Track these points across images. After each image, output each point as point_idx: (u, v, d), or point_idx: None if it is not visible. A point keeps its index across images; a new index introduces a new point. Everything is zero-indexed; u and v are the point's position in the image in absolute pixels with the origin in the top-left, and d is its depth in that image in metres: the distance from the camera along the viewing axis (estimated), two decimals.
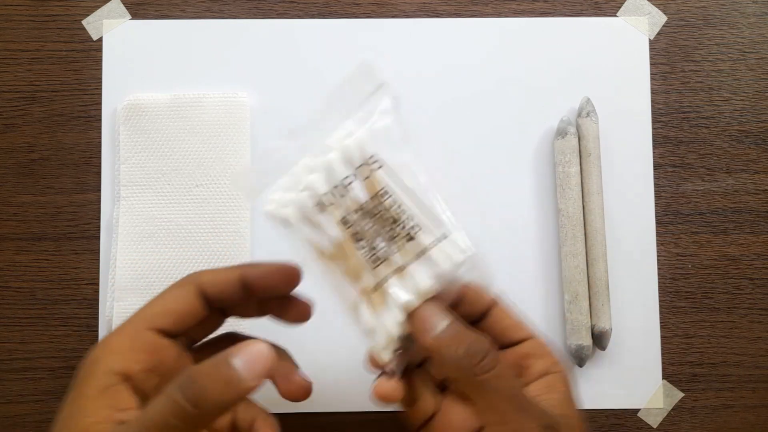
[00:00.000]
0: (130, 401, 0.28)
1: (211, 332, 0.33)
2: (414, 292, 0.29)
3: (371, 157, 0.29)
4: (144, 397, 0.29)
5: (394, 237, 0.29)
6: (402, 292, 0.29)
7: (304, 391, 0.32)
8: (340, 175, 0.29)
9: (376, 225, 0.29)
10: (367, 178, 0.29)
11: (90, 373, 0.28)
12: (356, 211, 0.29)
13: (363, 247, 0.29)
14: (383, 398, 0.31)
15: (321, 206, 0.29)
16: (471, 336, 0.29)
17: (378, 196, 0.29)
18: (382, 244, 0.29)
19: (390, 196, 0.29)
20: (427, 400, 0.32)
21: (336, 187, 0.29)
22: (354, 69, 0.29)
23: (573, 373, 0.33)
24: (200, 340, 0.33)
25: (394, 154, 0.29)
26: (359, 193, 0.29)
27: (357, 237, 0.29)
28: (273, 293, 0.31)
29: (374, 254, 0.29)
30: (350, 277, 0.29)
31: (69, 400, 0.28)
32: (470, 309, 0.33)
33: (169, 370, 0.30)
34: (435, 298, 0.29)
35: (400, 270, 0.29)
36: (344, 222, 0.29)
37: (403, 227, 0.29)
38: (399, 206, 0.29)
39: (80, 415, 0.27)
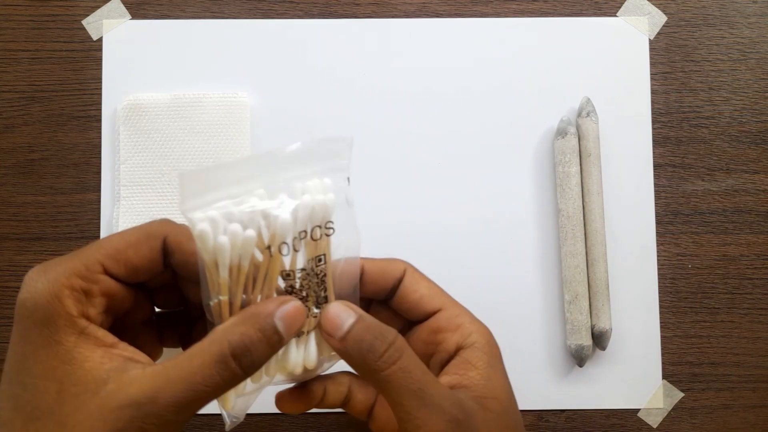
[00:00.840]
0: (111, 337, 0.27)
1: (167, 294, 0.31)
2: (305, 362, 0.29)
3: (330, 222, 0.28)
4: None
5: (318, 300, 0.29)
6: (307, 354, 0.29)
7: (307, 405, 0.31)
8: (302, 226, 0.28)
9: (311, 282, 0.29)
10: (315, 240, 0.28)
11: (50, 321, 0.25)
12: (301, 270, 0.28)
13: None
14: (286, 411, 0.31)
15: (266, 248, 0.28)
16: (374, 331, 0.28)
17: (314, 259, 0.28)
18: (313, 304, 0.29)
19: (324, 264, 0.29)
20: (360, 395, 0.32)
21: (294, 237, 0.28)
22: (336, 137, 0.29)
23: (491, 341, 0.31)
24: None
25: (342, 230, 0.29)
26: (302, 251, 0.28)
27: (289, 291, 0.28)
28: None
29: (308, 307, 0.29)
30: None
31: (40, 354, 0.25)
32: (373, 288, 0.32)
33: (122, 311, 0.29)
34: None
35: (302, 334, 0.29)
36: (286, 274, 0.28)
37: (320, 297, 0.29)
38: (324, 276, 0.29)
39: (71, 364, 0.25)
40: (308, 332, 0.29)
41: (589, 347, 0.42)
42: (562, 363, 0.43)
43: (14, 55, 0.45)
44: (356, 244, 0.30)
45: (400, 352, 0.28)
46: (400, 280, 0.32)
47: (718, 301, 0.44)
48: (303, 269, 0.28)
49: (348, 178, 0.29)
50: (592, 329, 0.42)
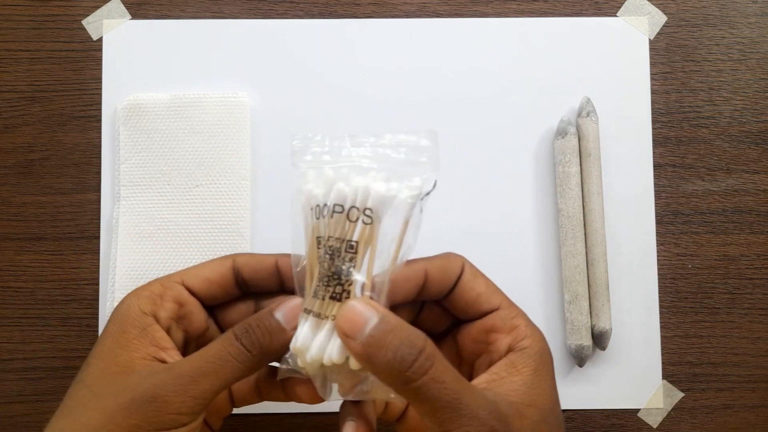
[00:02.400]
0: (168, 341, 0.30)
1: (238, 317, 0.33)
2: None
3: (369, 210, 0.28)
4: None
5: (329, 286, 0.28)
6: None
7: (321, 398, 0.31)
8: (344, 200, 0.28)
9: (329, 263, 0.28)
10: (353, 221, 0.28)
11: (126, 315, 0.30)
12: (335, 239, 0.28)
13: (320, 272, 0.29)
14: None
15: (327, 211, 0.28)
16: (401, 335, 0.26)
17: (346, 242, 0.28)
18: (323, 284, 0.29)
19: (355, 253, 0.28)
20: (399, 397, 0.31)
21: (332, 205, 0.28)
22: (426, 132, 0.29)
23: (543, 349, 0.30)
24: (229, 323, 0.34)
25: (387, 232, 0.28)
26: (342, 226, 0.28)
27: (320, 260, 0.29)
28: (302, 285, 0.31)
29: (318, 285, 0.29)
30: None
31: (107, 339, 0.30)
32: (438, 289, 0.31)
33: (195, 329, 0.32)
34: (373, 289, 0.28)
35: (322, 318, 0.28)
36: (318, 241, 0.29)
37: (340, 286, 0.28)
38: (352, 266, 0.28)
39: (124, 350, 0.29)
40: (326, 318, 0.28)
41: (589, 347, 0.42)
42: (562, 363, 0.43)
43: (14, 55, 0.45)
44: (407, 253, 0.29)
45: (431, 360, 0.26)
46: (459, 277, 0.31)
47: (718, 301, 0.44)
48: (324, 244, 0.28)
49: (435, 182, 0.29)
50: (592, 329, 0.42)
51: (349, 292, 0.28)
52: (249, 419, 0.43)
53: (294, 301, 0.30)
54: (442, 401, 0.26)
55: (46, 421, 0.42)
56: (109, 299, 0.42)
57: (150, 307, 0.30)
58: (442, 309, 0.33)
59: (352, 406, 0.31)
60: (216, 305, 0.33)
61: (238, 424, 0.43)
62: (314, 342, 0.28)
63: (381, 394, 0.29)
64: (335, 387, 0.30)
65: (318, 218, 0.29)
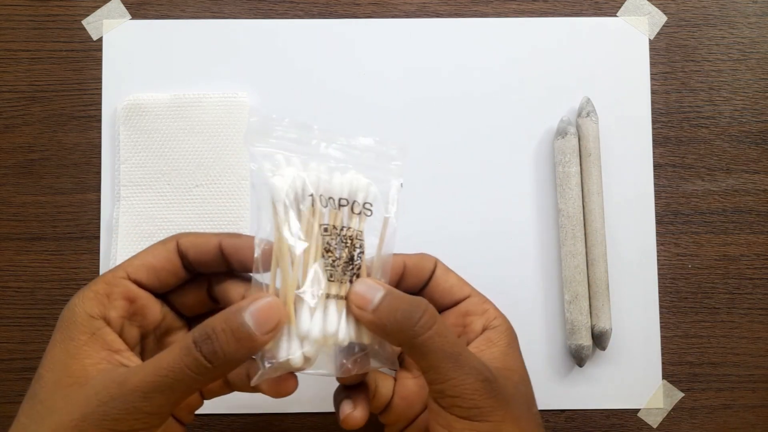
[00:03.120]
0: (120, 343, 0.29)
1: (193, 301, 0.33)
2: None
3: (368, 204, 0.31)
4: (127, 343, 0.29)
5: (347, 271, 0.30)
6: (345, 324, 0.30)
7: (288, 388, 0.30)
8: (342, 193, 0.31)
9: (346, 251, 0.30)
10: (357, 214, 0.31)
11: (72, 320, 0.28)
12: (339, 228, 0.30)
13: (327, 258, 0.30)
14: (352, 427, 0.32)
15: (313, 202, 0.30)
16: (407, 299, 0.30)
17: (351, 231, 0.31)
18: (341, 270, 0.30)
19: (360, 241, 0.31)
20: (386, 387, 0.34)
21: (338, 199, 0.31)
22: (394, 144, 0.33)
23: (511, 327, 0.34)
24: (186, 304, 0.33)
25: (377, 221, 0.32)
26: (344, 218, 0.31)
27: (326, 248, 0.30)
28: (246, 268, 0.31)
29: (335, 270, 0.30)
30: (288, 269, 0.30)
31: (56, 348, 0.28)
32: (414, 281, 0.34)
33: (150, 323, 0.31)
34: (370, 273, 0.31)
35: (342, 298, 0.30)
36: (325, 230, 0.30)
37: (353, 270, 0.31)
38: (361, 252, 0.31)
39: (74, 359, 0.28)
40: (329, 298, 0.30)
41: (589, 347, 0.42)
42: (562, 363, 0.43)
43: (14, 55, 0.45)
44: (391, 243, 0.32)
45: (434, 318, 0.29)
46: (433, 272, 0.35)
47: (718, 301, 0.44)
48: (332, 233, 0.30)
49: (401, 184, 0.32)
50: (592, 329, 0.42)
51: (359, 275, 0.31)
52: (249, 419, 0.43)
53: (265, 300, 0.27)
54: (445, 353, 0.29)
55: None
56: None
57: (98, 309, 0.29)
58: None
59: (347, 391, 0.33)
60: (170, 290, 0.32)
61: (238, 424, 0.43)
62: (304, 324, 0.29)
63: (377, 363, 0.31)
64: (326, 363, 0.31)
65: (326, 207, 0.30)
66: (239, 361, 0.27)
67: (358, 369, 0.31)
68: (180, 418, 0.32)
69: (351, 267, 0.30)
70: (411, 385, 0.34)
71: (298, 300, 0.29)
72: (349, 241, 0.31)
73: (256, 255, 0.30)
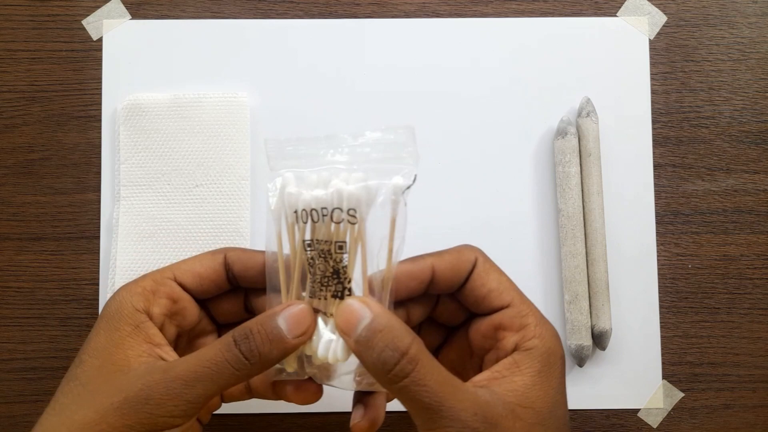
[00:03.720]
0: (161, 338, 0.30)
1: (229, 309, 0.34)
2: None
3: (352, 210, 0.29)
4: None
5: (329, 286, 0.29)
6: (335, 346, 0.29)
7: (313, 395, 0.32)
8: (327, 203, 0.29)
9: (324, 264, 0.29)
10: (337, 223, 0.29)
11: (118, 311, 0.30)
12: (324, 242, 0.29)
13: (312, 273, 0.29)
14: None
15: (297, 218, 0.30)
16: (387, 337, 0.27)
17: (334, 243, 0.29)
18: (319, 285, 0.29)
19: (345, 253, 0.29)
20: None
21: (320, 209, 0.29)
22: (401, 129, 0.30)
23: (551, 349, 0.30)
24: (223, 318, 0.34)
25: (375, 230, 0.29)
26: (327, 229, 0.29)
27: (310, 263, 0.30)
28: None
29: (314, 286, 0.29)
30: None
31: (100, 336, 0.30)
32: (448, 284, 0.31)
33: (188, 324, 0.32)
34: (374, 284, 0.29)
35: (328, 315, 0.29)
36: (308, 245, 0.29)
37: (340, 284, 0.29)
38: (345, 266, 0.29)
39: (118, 348, 0.29)
40: (331, 315, 0.29)
41: (589, 347, 0.42)
42: None
43: (14, 55, 0.45)
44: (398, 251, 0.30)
45: (414, 363, 0.27)
46: (470, 272, 0.31)
47: (718, 301, 0.44)
48: (315, 247, 0.29)
49: (415, 176, 0.30)
50: (592, 329, 0.42)
51: (350, 290, 0.29)
52: (249, 419, 0.43)
53: (298, 307, 0.29)
54: (422, 403, 0.27)
55: None
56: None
57: (143, 304, 0.30)
58: (458, 302, 0.33)
59: (363, 395, 0.31)
60: (208, 298, 0.34)
61: (238, 424, 0.43)
62: (321, 341, 0.29)
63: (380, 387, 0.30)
64: (342, 379, 0.31)
65: (305, 222, 0.29)
66: (273, 361, 0.29)
67: (367, 387, 0.30)
68: (199, 417, 0.34)
69: (337, 281, 0.29)
70: None
71: None
72: (327, 255, 0.29)
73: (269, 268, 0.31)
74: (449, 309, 0.33)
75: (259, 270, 0.32)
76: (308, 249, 0.29)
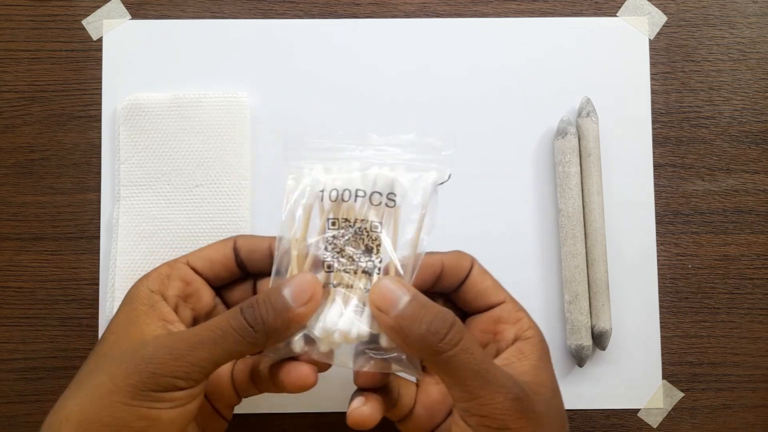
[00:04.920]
0: (173, 315, 0.32)
1: (240, 296, 0.35)
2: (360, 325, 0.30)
3: (392, 194, 0.31)
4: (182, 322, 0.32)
5: (359, 262, 0.30)
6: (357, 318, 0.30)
7: (306, 378, 0.31)
8: (358, 185, 0.31)
9: (356, 242, 0.30)
10: (375, 205, 0.31)
11: (136, 294, 0.32)
12: (359, 220, 0.31)
13: (332, 251, 0.31)
14: (358, 425, 0.31)
15: (322, 198, 0.31)
16: (433, 311, 0.29)
17: (371, 223, 0.31)
18: (348, 260, 0.31)
19: (381, 233, 0.31)
20: (408, 395, 0.33)
21: (355, 190, 0.31)
22: (440, 135, 0.32)
23: (543, 339, 0.33)
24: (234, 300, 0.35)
25: (409, 215, 0.31)
26: (364, 210, 0.31)
27: (334, 239, 0.31)
28: None
29: (340, 262, 0.30)
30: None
31: (120, 316, 0.32)
32: (450, 281, 0.33)
33: (202, 307, 0.34)
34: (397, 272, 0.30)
35: (354, 289, 0.30)
36: (332, 223, 0.31)
37: (371, 262, 0.30)
38: (379, 245, 0.31)
39: (134, 324, 0.31)
40: (351, 293, 0.30)
41: (589, 347, 0.42)
42: (562, 363, 0.43)
43: (14, 55, 0.45)
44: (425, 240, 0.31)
45: (461, 333, 0.28)
46: (469, 272, 0.34)
47: (718, 301, 0.44)
48: (340, 225, 0.31)
49: (449, 174, 0.32)
50: (592, 329, 0.42)
51: (379, 269, 0.30)
52: (249, 419, 0.43)
53: (304, 277, 0.29)
54: (471, 370, 0.28)
55: None
56: (109, 299, 0.42)
57: (158, 286, 0.32)
58: (451, 305, 0.35)
59: (363, 391, 0.32)
60: (222, 286, 0.35)
61: (238, 424, 0.43)
62: (343, 317, 0.30)
63: (398, 368, 0.31)
64: (346, 358, 0.31)
65: (333, 200, 0.31)
66: (277, 330, 0.29)
67: (375, 368, 0.30)
68: (220, 411, 0.34)
69: (368, 259, 0.30)
70: (434, 393, 0.33)
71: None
72: (364, 233, 0.30)
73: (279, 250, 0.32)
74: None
75: (264, 254, 0.33)
76: (332, 228, 0.31)
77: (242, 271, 0.35)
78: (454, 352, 0.28)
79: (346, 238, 0.31)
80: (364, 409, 0.31)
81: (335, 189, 0.31)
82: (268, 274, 0.32)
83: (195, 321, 0.34)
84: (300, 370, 0.31)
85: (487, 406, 0.28)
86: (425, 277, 0.33)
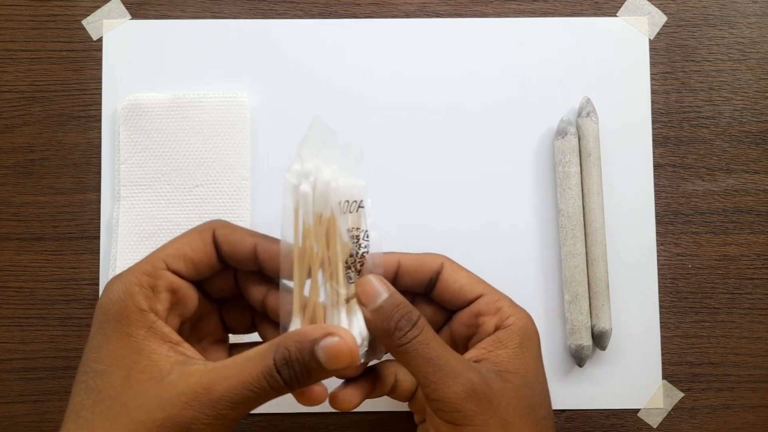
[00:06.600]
0: (175, 335, 0.30)
1: (221, 286, 0.34)
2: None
3: (362, 200, 0.32)
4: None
5: (355, 270, 0.32)
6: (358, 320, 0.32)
7: (317, 398, 0.32)
8: (357, 196, 0.32)
9: (357, 249, 0.32)
10: (353, 212, 0.32)
11: (124, 315, 0.29)
12: (355, 229, 0.32)
13: (349, 261, 0.32)
14: (339, 405, 0.33)
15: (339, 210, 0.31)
16: (403, 309, 0.31)
17: (363, 231, 0.32)
18: (353, 269, 0.32)
19: (368, 240, 0.32)
20: (408, 380, 0.35)
21: (351, 202, 0.32)
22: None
23: (527, 325, 0.34)
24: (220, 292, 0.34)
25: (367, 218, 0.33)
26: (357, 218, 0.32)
27: (350, 252, 0.32)
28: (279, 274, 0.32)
29: (354, 271, 0.32)
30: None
31: (113, 342, 0.28)
32: (411, 281, 0.34)
33: (190, 311, 0.32)
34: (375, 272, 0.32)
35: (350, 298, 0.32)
36: (347, 231, 0.31)
37: (362, 266, 0.32)
38: (367, 251, 0.32)
39: (140, 354, 0.28)
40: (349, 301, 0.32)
41: (589, 347, 0.42)
42: (562, 363, 0.43)
43: (14, 55, 0.45)
44: (377, 240, 0.33)
45: (420, 329, 0.31)
46: (438, 273, 0.34)
47: (718, 301, 0.44)
48: (352, 234, 0.32)
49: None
50: (592, 329, 0.42)
51: (360, 272, 0.32)
52: (249, 419, 0.43)
53: (337, 339, 0.29)
54: (425, 358, 0.30)
55: (46, 421, 0.42)
56: None
57: (146, 303, 0.29)
58: (435, 306, 0.36)
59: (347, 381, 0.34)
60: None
61: (238, 424, 0.43)
62: (354, 328, 0.31)
63: (373, 355, 0.33)
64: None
65: (345, 213, 0.31)
66: (310, 384, 0.30)
67: (366, 361, 0.33)
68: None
69: (361, 264, 0.32)
70: None
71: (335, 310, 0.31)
72: (356, 240, 0.32)
73: (283, 262, 0.31)
74: (427, 312, 0.36)
75: (248, 253, 0.32)
76: (351, 240, 0.32)
77: (223, 264, 0.33)
78: (412, 344, 0.30)
79: (354, 248, 0.32)
80: (347, 392, 0.33)
81: (347, 200, 0.31)
82: (251, 270, 0.33)
83: (182, 326, 0.32)
84: (313, 390, 0.31)
85: (439, 391, 0.30)
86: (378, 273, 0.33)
